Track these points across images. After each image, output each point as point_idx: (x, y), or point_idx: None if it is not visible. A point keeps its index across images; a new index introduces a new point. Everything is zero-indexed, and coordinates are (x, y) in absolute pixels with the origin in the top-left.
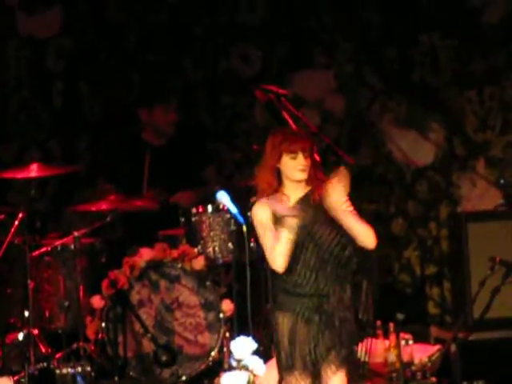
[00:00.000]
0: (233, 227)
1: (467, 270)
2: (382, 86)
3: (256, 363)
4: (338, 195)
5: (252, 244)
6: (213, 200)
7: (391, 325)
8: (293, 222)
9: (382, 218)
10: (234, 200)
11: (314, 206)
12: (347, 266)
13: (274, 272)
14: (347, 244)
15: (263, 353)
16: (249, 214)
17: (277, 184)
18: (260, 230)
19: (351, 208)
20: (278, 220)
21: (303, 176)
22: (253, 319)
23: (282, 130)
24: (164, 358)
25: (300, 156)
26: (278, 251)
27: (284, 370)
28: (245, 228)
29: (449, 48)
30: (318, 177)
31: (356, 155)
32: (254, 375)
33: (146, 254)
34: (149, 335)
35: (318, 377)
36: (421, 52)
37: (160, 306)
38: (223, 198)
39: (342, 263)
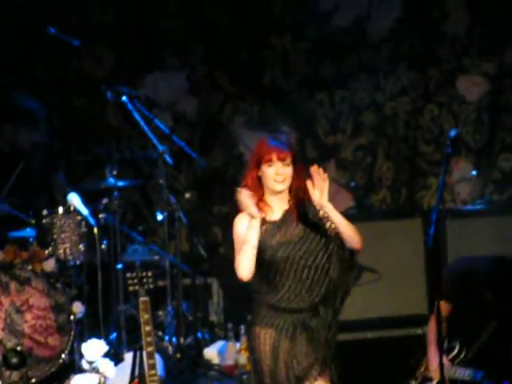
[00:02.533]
0: (84, 229)
1: None
2: (234, 89)
3: (107, 365)
4: (319, 193)
5: (103, 246)
6: (64, 201)
7: (242, 327)
8: (255, 223)
9: (233, 220)
10: (84, 202)
11: (297, 221)
12: (330, 283)
13: (257, 287)
14: (332, 262)
15: (114, 355)
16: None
17: (260, 193)
18: (235, 242)
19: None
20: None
21: (281, 187)
22: (104, 321)
23: (267, 137)
24: (13, 361)
25: (277, 165)
26: (239, 262)
27: None
28: (96, 230)
29: (300, 51)
30: (301, 189)
31: (208, 157)
32: (105, 377)
33: None
34: None
35: None
36: (272, 54)
37: (10, 308)
38: (74, 199)
39: (326, 279)
